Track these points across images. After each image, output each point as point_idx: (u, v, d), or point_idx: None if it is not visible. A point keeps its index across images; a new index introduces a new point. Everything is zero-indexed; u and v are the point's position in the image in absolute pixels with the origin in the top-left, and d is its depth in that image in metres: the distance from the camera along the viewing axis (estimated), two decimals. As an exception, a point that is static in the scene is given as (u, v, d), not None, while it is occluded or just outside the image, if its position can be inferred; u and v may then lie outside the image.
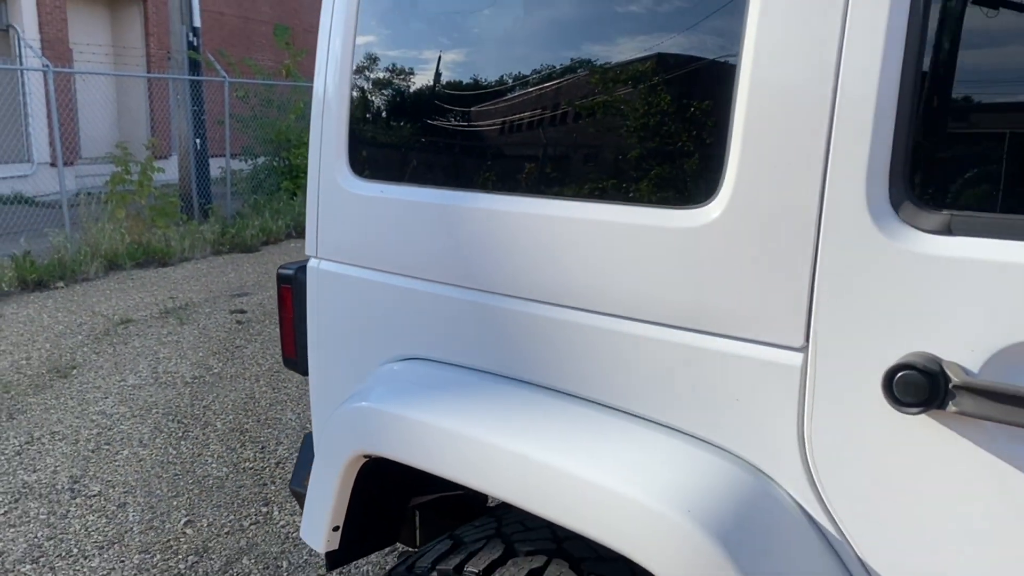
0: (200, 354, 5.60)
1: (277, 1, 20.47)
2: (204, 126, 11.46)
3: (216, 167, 12.23)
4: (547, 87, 1.34)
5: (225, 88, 11.85)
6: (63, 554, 3.18)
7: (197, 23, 11.72)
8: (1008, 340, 0.94)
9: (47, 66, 9.40)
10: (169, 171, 11.81)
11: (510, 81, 1.39)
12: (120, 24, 17.40)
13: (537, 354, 1.37)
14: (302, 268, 1.79)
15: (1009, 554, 0.97)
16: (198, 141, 11.44)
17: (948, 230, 0.98)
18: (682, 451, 1.17)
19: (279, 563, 3.13)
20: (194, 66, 11.26)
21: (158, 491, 3.68)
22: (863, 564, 1.08)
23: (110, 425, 4.39)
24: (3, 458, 4.00)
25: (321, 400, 1.76)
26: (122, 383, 5.03)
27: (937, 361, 0.97)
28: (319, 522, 1.60)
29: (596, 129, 1.30)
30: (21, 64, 13.97)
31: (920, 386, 0.96)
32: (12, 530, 3.34)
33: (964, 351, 0.96)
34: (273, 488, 3.71)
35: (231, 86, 12.05)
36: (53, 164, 12.72)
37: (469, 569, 1.32)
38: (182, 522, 3.42)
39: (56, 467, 3.91)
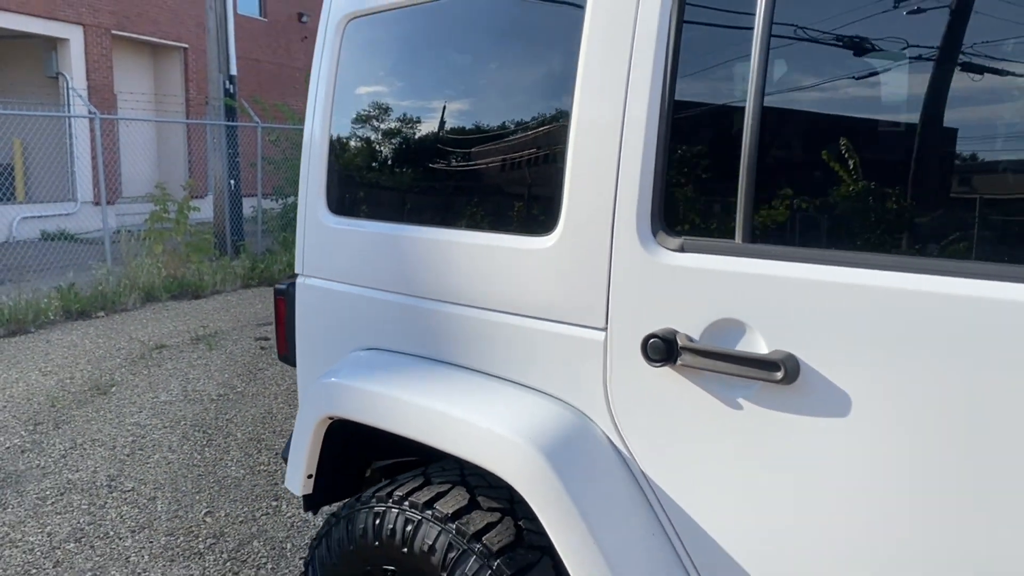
0: (226, 375, 6.21)
1: (311, 48, 21.46)
2: (238, 168, 12.24)
3: (248, 206, 12.99)
4: (448, 152, 1.92)
5: (258, 133, 12.65)
6: (101, 536, 3.76)
7: (233, 71, 12.57)
8: (715, 317, 1.48)
9: (93, 113, 10.23)
10: (205, 210, 12.59)
11: (425, 145, 1.97)
12: (162, 71, 18.45)
13: (448, 340, 1.93)
14: (292, 283, 2.37)
15: (729, 456, 1.49)
16: (232, 182, 12.22)
17: (682, 249, 1.52)
18: (532, 401, 1.72)
19: (284, 545, 3.67)
20: (229, 112, 12.08)
21: (183, 488, 4.25)
22: (645, 476, 1.61)
23: (143, 434, 5.00)
24: (50, 460, 4.61)
25: (305, 382, 2.33)
26: (155, 399, 5.64)
27: (673, 332, 1.51)
28: (297, 471, 2.16)
29: (481, 181, 1.87)
30: (69, 110, 14.93)
31: (661, 348, 1.50)
32: (58, 517, 3.92)
33: (691, 326, 1.51)
34: (283, 487, 4.27)
35: (263, 131, 12.85)
36: (96, 203, 13.59)
37: (396, 493, 1.87)
38: (203, 512, 3.98)
39: (96, 468, 4.50)
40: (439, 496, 1.82)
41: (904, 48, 1.29)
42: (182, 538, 3.74)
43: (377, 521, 1.87)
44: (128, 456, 4.68)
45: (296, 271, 2.34)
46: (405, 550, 1.80)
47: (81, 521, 3.89)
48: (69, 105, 15.18)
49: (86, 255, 11.10)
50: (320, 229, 2.23)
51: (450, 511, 1.77)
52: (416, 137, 2.02)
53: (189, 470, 4.48)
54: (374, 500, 1.91)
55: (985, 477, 1.20)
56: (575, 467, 1.61)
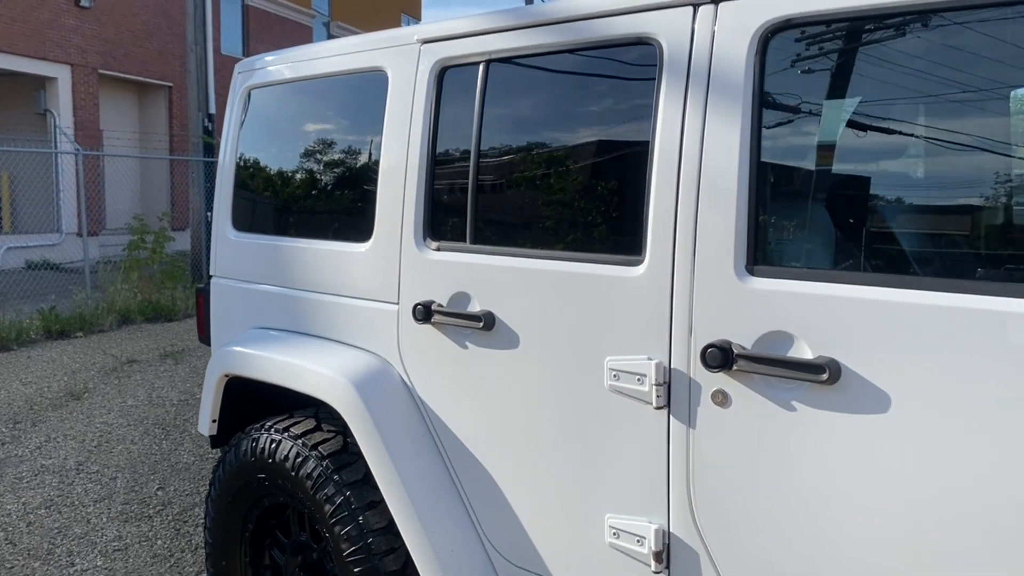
0: (188, 385, 7.01)
1: (292, 87, 22.39)
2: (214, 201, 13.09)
3: (224, 237, 13.79)
4: (307, 186, 2.77)
5: (234, 167, 13.51)
6: (68, 504, 4.54)
7: (212, 110, 13.47)
8: (453, 290, 2.31)
9: (77, 150, 11.08)
10: (184, 241, 13.42)
11: (291, 182, 2.82)
12: (147, 109, 19.39)
13: (308, 317, 2.76)
14: (207, 283, 3.20)
15: (461, 380, 2.31)
16: (208, 214, 13.07)
17: (438, 249, 2.36)
18: (354, 354, 2.55)
19: (220, 511, 4.46)
20: (208, 148, 12.97)
21: (141, 470, 5.04)
22: (420, 399, 2.43)
23: (110, 430, 5.79)
24: (27, 450, 5.39)
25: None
26: (123, 403, 6.43)
27: (431, 302, 2.35)
28: (205, 417, 2.98)
29: (327, 206, 2.72)
30: (56, 146, 15.80)
31: (424, 310, 2.33)
32: (32, 491, 4.71)
33: (441, 297, 2.34)
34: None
35: (240, 166, 13.71)
36: (80, 234, 14.40)
37: (267, 424, 2.69)
38: (155, 488, 4.77)
39: (66, 456, 5.29)
40: (295, 424, 2.64)
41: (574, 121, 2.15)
42: (136, 506, 4.52)
43: (253, 444, 2.69)
44: (95, 447, 5.46)
45: (211, 272, 3.17)
46: (271, 460, 2.62)
47: (51, 494, 4.67)
48: (56, 141, 16.06)
49: (68, 283, 11.91)
50: (226, 241, 3.08)
51: (300, 432, 2.59)
52: (286, 175, 2.87)
53: (147, 457, 5.27)
54: (252, 431, 2.73)
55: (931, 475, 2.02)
56: (375, 395, 2.43)
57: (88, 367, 7.64)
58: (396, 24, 29.35)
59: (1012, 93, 1.59)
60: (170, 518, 4.37)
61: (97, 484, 4.83)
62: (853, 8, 1.67)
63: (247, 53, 21.40)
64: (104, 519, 4.36)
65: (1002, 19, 1.53)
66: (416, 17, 30.95)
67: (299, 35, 23.18)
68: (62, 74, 16.53)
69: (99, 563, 3.89)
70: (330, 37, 24.89)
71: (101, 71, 17.34)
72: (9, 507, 4.49)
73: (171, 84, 19.14)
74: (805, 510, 1.72)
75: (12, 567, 3.84)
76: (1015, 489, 1.48)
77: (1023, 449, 1.46)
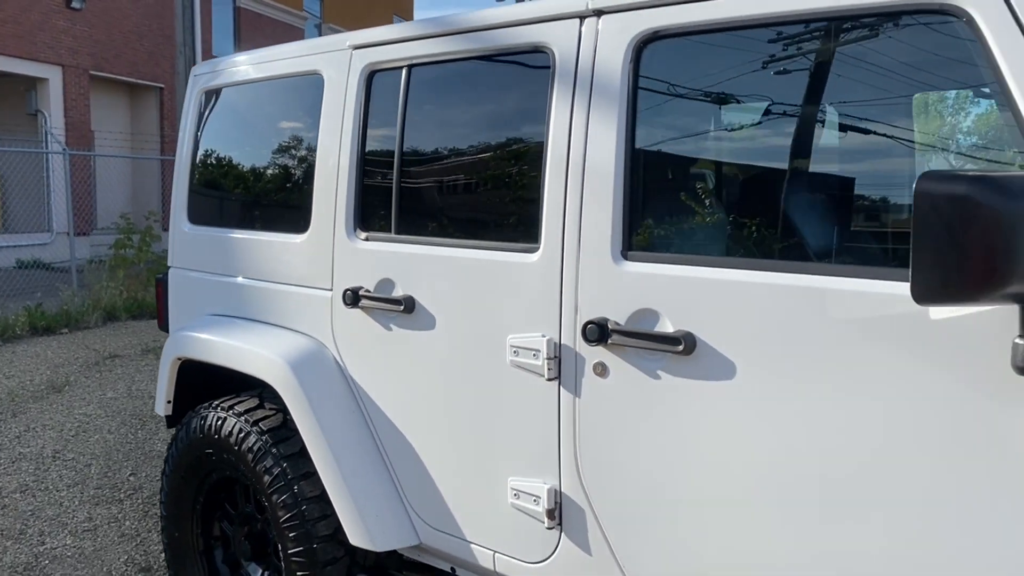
0: (167, 378, 7.22)
1: (283, 88, 22.61)
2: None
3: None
4: (248, 183, 2.99)
5: (221, 168, 13.74)
6: (42, 489, 4.74)
7: (201, 111, 13.67)
8: (380, 276, 2.52)
9: (64, 150, 11.29)
10: (170, 240, 13.59)
11: (235, 178, 3.04)
12: (138, 110, 19.59)
13: (252, 304, 2.97)
14: (166, 274, 3.41)
15: (385, 359, 2.52)
16: (196, 214, 13.28)
17: (367, 239, 2.58)
18: (292, 337, 2.76)
19: (188, 495, 4.66)
20: (194, 149, 13.17)
21: (115, 458, 5.25)
22: (351, 377, 2.64)
23: (88, 421, 5.99)
24: (5, 439, 5.59)
25: (172, 342, 3.36)
26: (102, 396, 6.64)
27: (359, 287, 2.56)
28: (161, 398, 3.19)
29: (269, 201, 2.93)
30: (47, 147, 16.01)
31: (352, 295, 2.54)
32: (8, 477, 4.91)
33: (368, 282, 2.55)
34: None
35: (227, 166, 13.94)
36: (68, 234, 14.58)
37: (215, 403, 2.90)
38: (128, 474, 4.98)
39: (44, 444, 5.49)
40: (239, 402, 2.86)
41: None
42: (108, 490, 4.73)
43: (202, 421, 2.90)
44: (72, 436, 5.67)
45: (168, 264, 3.38)
46: (217, 436, 2.83)
47: (27, 480, 4.88)
48: (47, 141, 16.26)
49: (57, 281, 12.09)
50: (181, 234, 3.29)
51: (243, 409, 2.81)
52: (235, 172, 3.09)
53: (122, 446, 5.48)
54: (201, 409, 2.94)
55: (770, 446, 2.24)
56: (310, 375, 2.65)
57: (71, 361, 7.85)
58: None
59: (824, 105, 1.81)
60: (140, 501, 4.58)
61: (72, 470, 5.04)
62: (710, 21, 1.88)
63: (240, 51, 21.59)
64: (76, 502, 4.56)
65: (810, 37, 1.75)
66: (408, 19, 31.19)
67: (290, 36, 23.39)
68: (53, 75, 16.73)
69: (68, 542, 4.09)
70: (322, 39, 25.11)
71: (92, 72, 17.54)
72: (-14, 491, 4.70)
73: (162, 85, 19.35)
74: (671, 468, 1.94)
75: (-14, 545, 4.05)
76: (839, 444, 1.69)
77: (843, 408, 1.68)
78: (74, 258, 11.22)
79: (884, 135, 1.79)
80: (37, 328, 9.16)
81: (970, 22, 1.55)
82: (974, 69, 1.57)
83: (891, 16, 1.67)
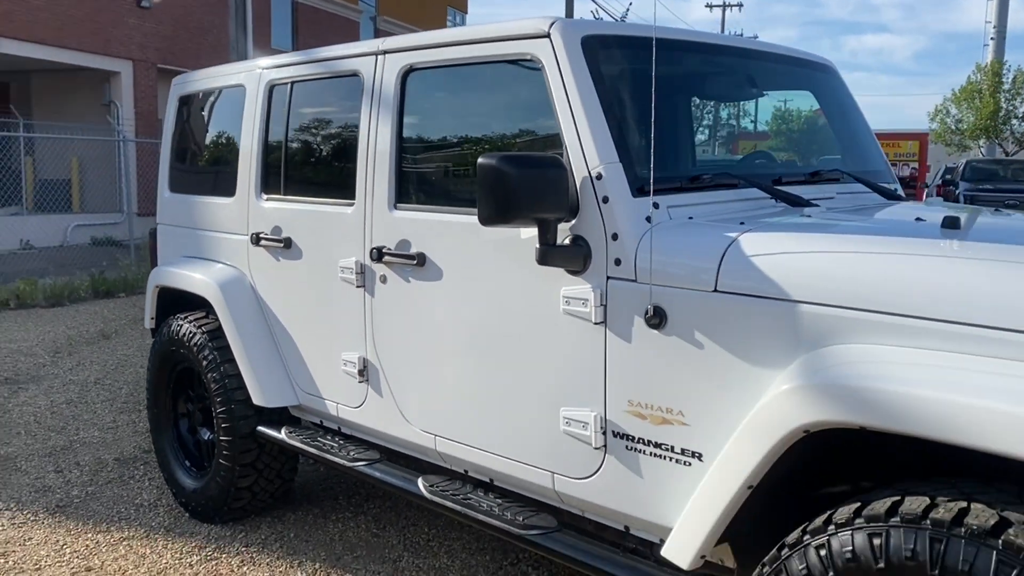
0: (197, 331, 8.71)
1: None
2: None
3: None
4: (202, 162, 4.31)
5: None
6: (82, 403, 6.19)
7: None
8: (273, 224, 3.80)
9: (124, 138, 12.94)
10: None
11: (196, 158, 4.37)
12: (202, 99, 21.36)
13: (205, 247, 4.29)
14: (156, 228, 4.76)
15: (277, 284, 3.81)
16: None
17: (267, 200, 3.86)
18: (222, 267, 4.07)
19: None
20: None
21: (142, 384, 6.68)
22: (259, 295, 3.93)
23: (126, 360, 7.48)
24: (60, 370, 7.09)
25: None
26: (141, 342, 8.14)
27: (261, 232, 3.84)
28: (147, 315, 4.55)
29: (216, 177, 4.24)
30: (119, 135, 17.86)
31: (256, 237, 3.83)
32: (57, 394, 6.38)
33: (267, 228, 3.84)
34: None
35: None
36: (140, 214, 16.36)
37: (179, 316, 4.24)
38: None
39: (88, 374, 6.98)
40: (194, 315, 4.18)
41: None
42: (131, 405, 6.17)
43: (169, 328, 4.24)
44: (112, 369, 7.16)
45: (157, 221, 4.73)
46: (178, 337, 4.16)
47: (72, 396, 6.36)
48: (119, 130, 18.11)
49: (123, 256, 13.82)
50: (164, 198, 4.64)
51: (195, 319, 4.13)
52: (193, 155, 4.42)
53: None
54: (170, 320, 4.27)
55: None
56: (231, 292, 3.95)
57: (121, 317, 9.41)
58: (442, 17, 30.97)
59: (462, 114, 3.00)
60: (153, 411, 5.99)
61: (107, 391, 6.50)
62: (432, 61, 3.10)
63: (296, 47, 23.26)
64: (106, 411, 6.01)
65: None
66: (463, 10, 32.46)
67: (347, 30, 24.98)
68: (125, 69, 18.58)
69: (95, 435, 5.52)
70: (377, 32, 26.65)
71: (160, 66, 19.34)
72: (40, 403, 6.19)
73: (224, 77, 21.09)
74: (419, 336, 3.17)
75: (36, 435, 5.51)
76: (488, 311, 2.90)
77: (486, 290, 2.89)
78: (133, 235, 12.90)
79: (488, 138, 2.98)
80: (99, 292, 10.79)
81: (539, 66, 2.74)
82: (542, 93, 2.76)
83: (500, 62, 2.87)
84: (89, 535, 4.06)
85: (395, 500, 4.35)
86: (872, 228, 2.68)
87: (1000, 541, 1.69)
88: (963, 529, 1.73)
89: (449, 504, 3.03)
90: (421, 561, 3.80)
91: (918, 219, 2.65)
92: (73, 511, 4.33)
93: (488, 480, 3.12)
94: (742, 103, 4.12)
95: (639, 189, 2.60)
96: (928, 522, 1.78)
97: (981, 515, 1.75)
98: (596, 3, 25.29)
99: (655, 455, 2.52)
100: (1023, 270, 2.00)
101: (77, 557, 3.84)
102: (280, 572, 3.70)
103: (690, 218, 2.64)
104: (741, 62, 3.30)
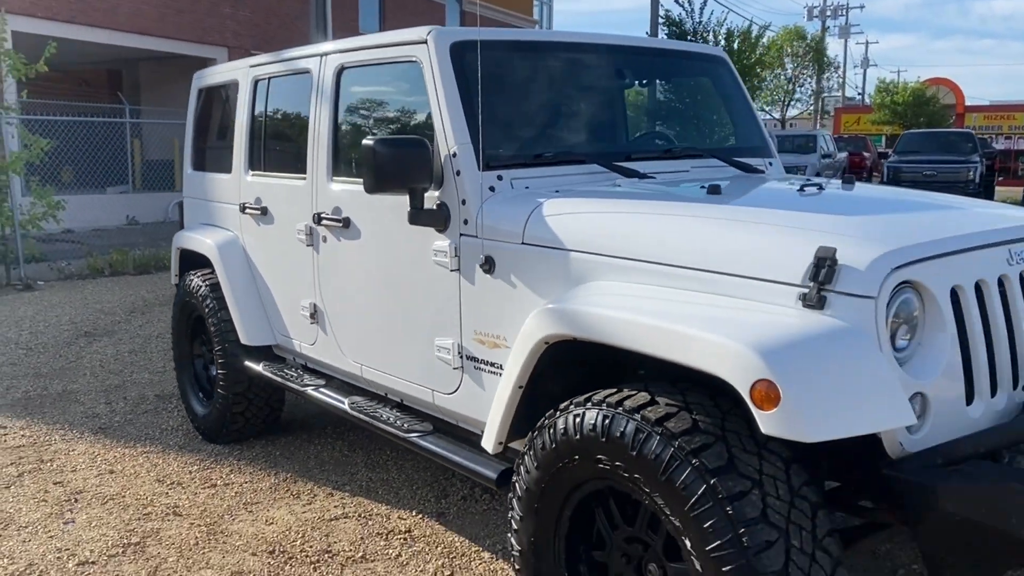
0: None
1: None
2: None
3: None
4: (209, 149, 5.22)
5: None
6: (142, 352, 7.29)
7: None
8: (255, 196, 4.66)
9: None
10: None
11: (203, 140, 5.28)
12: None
13: (213, 215, 5.20)
14: (182, 200, 5.71)
15: (260, 245, 4.68)
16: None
17: (252, 176, 4.73)
18: (221, 232, 4.97)
19: (230, 359, 7.06)
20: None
21: (195, 338, 7.73)
22: (248, 254, 4.81)
23: (188, 318, 8.58)
24: (131, 326, 8.24)
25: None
26: (205, 304, 9.25)
27: (246, 202, 4.72)
28: (172, 274, 5.51)
29: (217, 161, 5.14)
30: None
31: (242, 207, 4.71)
32: (124, 345, 7.50)
33: (251, 199, 4.71)
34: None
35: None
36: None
37: (191, 273, 5.18)
38: (198, 346, 7.46)
39: (153, 330, 8.09)
40: (203, 272, 5.11)
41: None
42: (181, 354, 7.21)
43: (186, 283, 5.18)
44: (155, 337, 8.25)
45: (183, 194, 5.68)
46: (188, 291, 5.10)
47: (135, 347, 7.47)
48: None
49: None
50: (187, 175, 5.59)
51: (203, 275, 5.06)
52: (206, 138, 5.33)
53: (203, 332, 7.99)
54: (187, 276, 5.21)
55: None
56: (226, 251, 4.85)
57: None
58: (529, 4, 31.58)
59: (363, 104, 3.76)
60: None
61: (165, 343, 7.58)
62: (357, 61, 3.88)
63: (384, 30, 24.38)
64: (160, 361, 7.07)
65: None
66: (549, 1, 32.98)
67: (433, 14, 25.94)
68: (220, 56, 19.99)
69: (146, 376, 6.58)
70: (462, 15, 27.53)
71: (253, 52, 20.70)
72: (108, 352, 7.32)
73: (313, 61, 22.37)
74: (348, 289, 3.98)
75: (98, 375, 6.60)
76: (387, 265, 3.68)
77: (381, 246, 3.66)
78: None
79: (391, 123, 3.71)
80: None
81: (421, 66, 3.48)
82: (422, 88, 3.50)
83: (398, 63, 3.62)
84: (118, 449, 5.05)
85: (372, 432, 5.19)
86: (655, 195, 3.31)
87: (639, 415, 2.37)
88: (623, 409, 2.42)
89: (362, 417, 3.84)
90: (374, 475, 4.63)
91: (703, 187, 3.26)
92: (112, 432, 5.35)
93: (399, 400, 3.90)
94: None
95: (487, 164, 3.32)
96: (620, 408, 2.45)
97: (637, 399, 2.43)
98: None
99: (491, 372, 3.26)
100: (707, 223, 2.66)
101: (105, 463, 4.83)
102: (258, 478, 4.60)
103: (527, 188, 3.35)
104: (613, 58, 3.96)
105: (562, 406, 2.64)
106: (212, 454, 4.97)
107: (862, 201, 3.31)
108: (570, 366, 2.87)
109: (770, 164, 4.17)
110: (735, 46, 28.48)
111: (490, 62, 3.53)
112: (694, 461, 2.23)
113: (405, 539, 3.90)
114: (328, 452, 4.99)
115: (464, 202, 3.30)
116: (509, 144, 3.44)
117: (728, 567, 2.15)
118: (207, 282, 5.00)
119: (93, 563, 3.71)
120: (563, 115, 3.79)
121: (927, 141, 21.54)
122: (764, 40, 32.33)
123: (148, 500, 4.34)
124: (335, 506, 4.25)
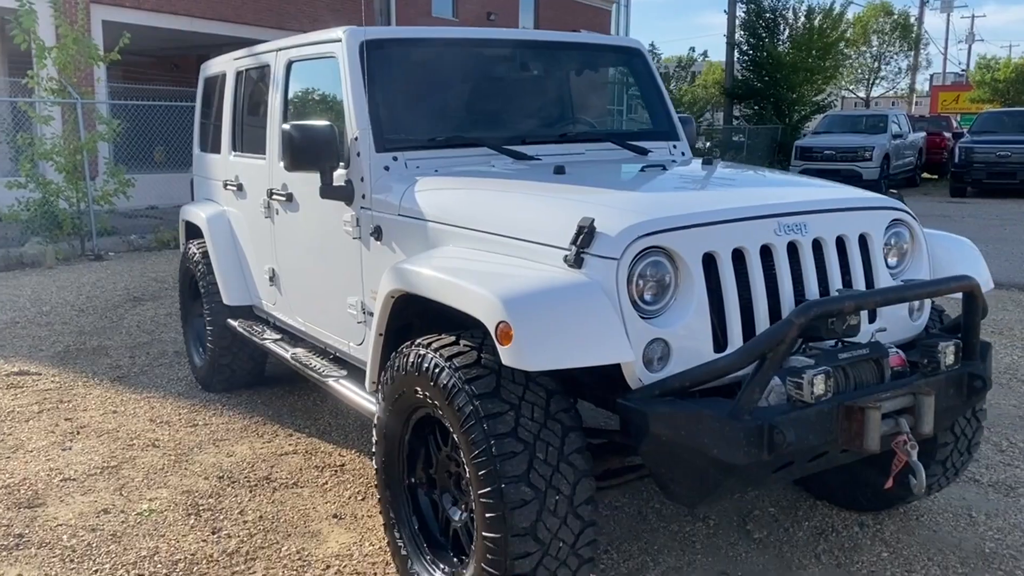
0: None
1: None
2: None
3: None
4: (209, 139, 5.95)
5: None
6: (167, 322, 8.15)
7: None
8: (232, 175, 5.35)
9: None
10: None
11: (208, 122, 6.02)
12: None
13: (208, 190, 5.93)
14: (192, 180, 6.47)
15: (243, 218, 5.37)
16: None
17: (235, 156, 5.42)
18: (213, 206, 5.70)
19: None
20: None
21: (226, 304, 8.57)
22: (233, 227, 5.52)
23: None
24: (172, 299, 9.15)
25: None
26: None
27: (228, 179, 5.41)
28: (181, 241, 6.29)
29: (209, 136, 5.86)
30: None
31: (225, 183, 5.40)
32: (151, 314, 8.38)
33: (232, 177, 5.40)
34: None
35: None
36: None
37: (189, 243, 5.94)
38: (226, 311, 8.28)
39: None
40: (196, 241, 5.86)
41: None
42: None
43: (186, 250, 5.94)
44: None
45: (193, 173, 6.44)
46: (188, 255, 5.86)
47: (172, 310, 8.33)
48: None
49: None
50: (195, 156, 6.34)
51: (197, 244, 5.80)
52: (211, 122, 6.06)
53: (235, 299, 8.82)
54: (186, 246, 5.97)
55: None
56: (214, 221, 5.57)
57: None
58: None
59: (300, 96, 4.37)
60: (221, 322, 7.83)
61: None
62: (303, 56, 4.50)
63: (456, 15, 25.04)
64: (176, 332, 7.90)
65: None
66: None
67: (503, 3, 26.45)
68: (273, 37, 21.03)
69: (172, 335, 7.41)
70: (536, 7, 27.96)
71: (326, 36, 21.67)
72: (148, 314, 8.22)
73: (386, 44, 23.23)
74: (293, 255, 4.63)
75: (132, 334, 7.48)
76: (318, 234, 4.31)
77: (312, 218, 4.29)
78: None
79: (320, 110, 4.31)
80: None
81: (337, 60, 4.07)
82: (338, 83, 4.09)
83: (323, 58, 4.22)
84: (127, 394, 5.86)
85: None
86: (511, 175, 3.81)
87: (439, 353, 2.93)
88: (430, 348, 2.98)
89: (297, 366, 4.50)
90: (334, 421, 5.29)
91: (556, 169, 3.75)
92: (126, 381, 6.17)
93: (334, 353, 4.54)
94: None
95: (383, 147, 3.90)
96: (429, 348, 3.01)
97: (443, 340, 2.99)
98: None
99: (381, 325, 3.86)
100: (515, 197, 3.19)
101: (111, 404, 5.64)
102: (234, 420, 5.32)
103: (418, 167, 3.91)
104: (515, 52, 4.48)
105: (400, 348, 3.22)
106: (203, 400, 5.72)
107: (668, 179, 3.77)
108: (434, 317, 3.44)
109: (674, 147, 4.62)
110: (816, 23, 28.09)
111: (397, 57, 4.10)
112: (468, 388, 2.78)
113: (336, 471, 4.55)
114: (302, 402, 5.68)
115: (363, 179, 3.89)
116: (406, 129, 4.01)
117: (482, 472, 2.70)
118: (200, 250, 5.74)
119: (74, 480, 4.48)
120: (460, 103, 4.33)
121: (1006, 121, 20.92)
122: (848, 17, 31.69)
123: (136, 435, 5.11)
124: (289, 445, 4.93)
